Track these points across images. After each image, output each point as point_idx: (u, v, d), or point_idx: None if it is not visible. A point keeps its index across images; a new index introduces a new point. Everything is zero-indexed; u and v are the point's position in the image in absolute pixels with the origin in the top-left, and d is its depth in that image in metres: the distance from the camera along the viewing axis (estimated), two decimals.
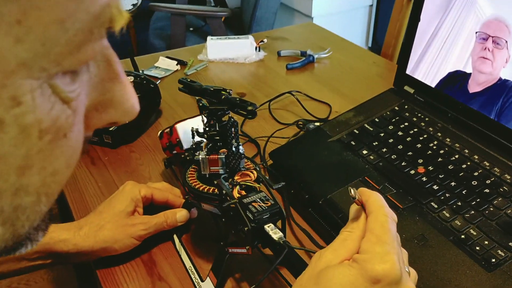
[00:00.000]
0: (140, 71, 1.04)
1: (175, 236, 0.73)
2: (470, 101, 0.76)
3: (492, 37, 0.71)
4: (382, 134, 0.80)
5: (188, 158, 0.67)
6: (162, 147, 0.78)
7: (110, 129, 0.92)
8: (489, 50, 0.72)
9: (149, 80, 1.02)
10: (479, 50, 0.74)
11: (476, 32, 0.74)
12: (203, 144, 0.64)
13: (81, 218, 0.77)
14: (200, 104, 0.60)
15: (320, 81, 1.18)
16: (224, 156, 0.62)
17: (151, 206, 0.73)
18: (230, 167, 0.63)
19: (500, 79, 0.72)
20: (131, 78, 0.95)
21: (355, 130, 0.83)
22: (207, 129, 0.63)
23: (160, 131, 0.78)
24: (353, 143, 0.80)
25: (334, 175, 0.75)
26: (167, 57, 1.28)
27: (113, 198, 0.69)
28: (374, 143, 0.79)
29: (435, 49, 0.81)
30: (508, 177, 0.69)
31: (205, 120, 0.63)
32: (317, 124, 0.89)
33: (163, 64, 1.25)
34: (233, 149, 0.61)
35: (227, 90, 0.64)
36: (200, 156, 0.63)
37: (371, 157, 0.77)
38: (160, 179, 0.85)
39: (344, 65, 1.27)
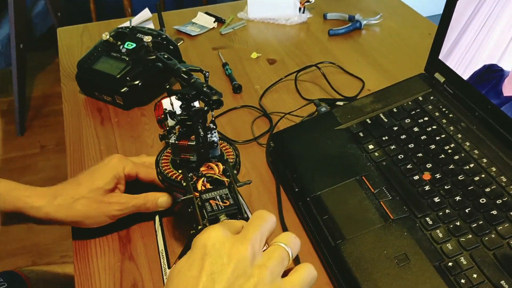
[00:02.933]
0: (164, 29, 1.00)
1: (156, 217, 0.70)
2: (503, 104, 0.65)
3: None
4: (395, 128, 0.72)
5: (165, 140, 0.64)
6: (156, 119, 0.74)
7: (122, 90, 0.89)
8: None
9: (170, 40, 0.97)
10: None
11: None
12: (176, 128, 0.60)
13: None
14: (167, 87, 0.55)
15: (362, 52, 1.08)
16: (194, 144, 0.58)
17: (137, 182, 0.70)
18: (199, 154, 0.58)
19: None
20: (149, 38, 0.91)
21: (367, 120, 0.74)
22: (178, 112, 0.58)
23: (156, 101, 0.74)
24: (361, 134, 0.72)
25: (331, 170, 0.68)
26: (206, 12, 1.22)
27: (95, 170, 0.67)
28: (383, 138, 0.71)
29: (471, 34, 0.70)
30: None
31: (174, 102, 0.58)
32: (330, 107, 0.81)
33: (201, 21, 1.20)
34: (200, 138, 0.56)
35: (203, 72, 0.58)
36: (170, 141, 0.59)
37: (376, 154, 0.69)
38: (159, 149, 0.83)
39: (394, 34, 1.15)
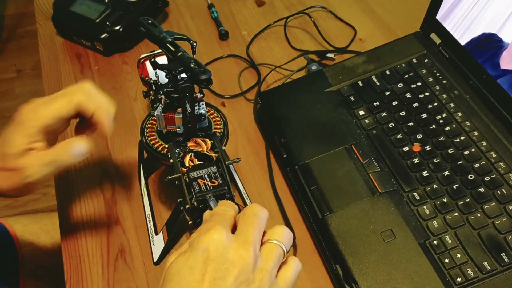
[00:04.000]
0: None
1: (142, 177, 0.69)
2: (499, 76, 0.63)
3: None
4: (387, 93, 0.70)
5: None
6: (139, 76, 0.71)
7: (102, 36, 0.85)
8: None
9: None
10: None
11: None
12: (162, 98, 0.57)
13: None
14: (152, 60, 0.52)
15: None
16: (181, 116, 0.56)
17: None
18: (187, 128, 0.56)
19: None
20: None
21: (359, 82, 0.72)
22: (163, 83, 0.55)
23: (140, 57, 0.70)
24: (352, 98, 0.70)
25: (320, 137, 0.67)
26: None
27: (5, 134, 0.53)
28: (375, 103, 0.69)
29: None
30: None
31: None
32: (321, 65, 0.78)
33: None
34: (188, 112, 0.54)
35: (190, 42, 0.55)
36: (156, 113, 0.56)
37: (366, 121, 0.67)
38: (144, 104, 0.80)
39: None
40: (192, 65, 0.49)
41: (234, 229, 0.45)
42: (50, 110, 0.52)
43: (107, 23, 0.85)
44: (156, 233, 0.63)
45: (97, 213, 0.67)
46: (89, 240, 0.64)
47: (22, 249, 0.81)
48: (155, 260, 0.60)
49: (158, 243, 0.61)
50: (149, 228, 0.64)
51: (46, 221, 0.86)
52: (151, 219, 0.65)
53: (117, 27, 0.85)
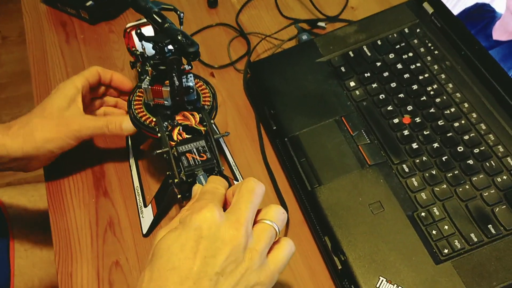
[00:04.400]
0: None
1: (130, 149, 0.69)
2: (491, 48, 0.62)
3: None
4: (378, 64, 0.69)
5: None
6: (125, 46, 0.69)
7: (87, 4, 0.82)
8: None
9: None
10: None
11: None
12: (149, 70, 0.56)
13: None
14: (138, 31, 0.50)
15: None
16: (169, 89, 0.55)
17: None
18: (175, 102, 0.55)
19: None
20: None
21: (350, 52, 0.71)
22: (150, 55, 0.54)
23: (126, 26, 0.68)
24: (343, 69, 0.69)
25: (310, 108, 0.66)
26: None
27: (47, 98, 0.62)
28: (366, 74, 0.68)
29: None
30: (501, 149, 0.59)
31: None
32: (312, 36, 0.77)
33: None
34: (175, 85, 0.53)
35: (178, 12, 0.53)
36: (143, 85, 0.55)
37: (357, 93, 0.67)
38: (132, 74, 0.79)
39: None
40: (179, 37, 0.48)
41: (225, 206, 0.45)
42: (80, 77, 0.63)
43: None
44: (145, 206, 0.63)
45: (85, 185, 0.66)
46: (78, 212, 0.64)
47: (11, 221, 0.81)
48: (144, 233, 0.60)
49: (147, 215, 0.61)
50: (137, 201, 0.64)
51: (33, 192, 0.86)
52: (139, 191, 0.65)
53: None
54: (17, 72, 1.91)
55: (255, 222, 0.43)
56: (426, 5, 0.72)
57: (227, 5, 0.89)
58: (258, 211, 0.44)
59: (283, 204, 0.63)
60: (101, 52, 0.82)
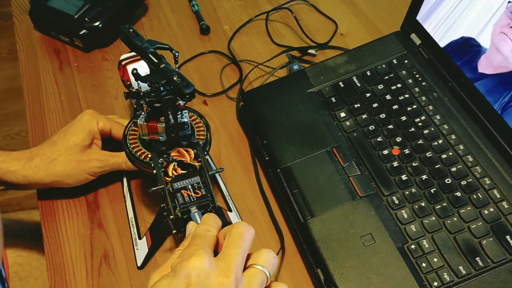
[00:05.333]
0: None
1: (124, 179, 0.69)
2: (477, 80, 0.64)
3: None
4: (368, 95, 0.70)
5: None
6: (120, 78, 0.70)
7: (81, 32, 0.83)
8: None
9: None
10: (504, 24, 0.60)
11: (509, 2, 0.59)
12: (145, 106, 0.57)
13: (36, 134, 0.74)
14: (134, 72, 0.51)
15: None
16: (164, 125, 0.56)
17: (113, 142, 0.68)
18: (170, 138, 0.56)
19: None
20: None
21: (340, 83, 0.73)
22: (145, 92, 0.55)
23: (120, 58, 0.69)
24: (333, 100, 0.71)
25: (302, 139, 0.68)
26: None
27: (69, 128, 0.65)
28: (355, 105, 0.70)
29: (452, 1, 0.67)
30: (488, 181, 0.60)
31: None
32: (303, 65, 0.79)
33: None
34: (170, 122, 0.54)
35: (173, 52, 0.54)
36: (139, 121, 0.56)
37: (347, 123, 0.68)
38: (125, 103, 0.79)
39: None
40: (175, 78, 0.49)
41: (217, 248, 0.45)
42: (103, 119, 0.66)
43: (86, 19, 0.83)
44: (140, 238, 0.64)
45: (79, 217, 0.67)
46: (73, 245, 0.64)
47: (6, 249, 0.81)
48: (138, 265, 0.61)
49: (142, 247, 0.62)
50: (132, 233, 0.65)
51: (27, 221, 0.86)
52: (134, 223, 0.65)
53: (97, 23, 0.83)
54: (7, 89, 1.91)
55: (246, 267, 0.44)
56: (413, 36, 0.74)
57: (219, 32, 0.91)
58: (249, 255, 0.45)
59: (279, 234, 0.64)
60: (95, 80, 0.83)
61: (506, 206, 0.58)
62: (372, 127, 0.67)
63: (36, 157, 0.63)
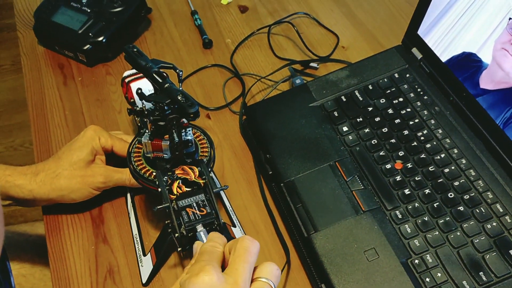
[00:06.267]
0: None
1: (128, 195, 0.70)
2: (479, 95, 0.65)
3: None
4: (370, 109, 0.71)
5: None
6: (123, 95, 0.71)
7: (85, 48, 0.84)
8: None
9: None
10: (505, 40, 0.60)
11: (510, 19, 0.60)
12: (149, 124, 0.57)
13: (40, 149, 0.75)
14: (139, 92, 0.52)
15: (337, 0, 1.02)
16: (168, 143, 0.56)
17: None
18: (174, 155, 0.57)
19: None
20: None
21: (342, 97, 0.73)
22: (149, 110, 0.56)
23: (124, 75, 0.70)
24: (335, 114, 0.71)
25: (305, 153, 0.68)
26: None
27: (73, 143, 0.66)
28: (358, 119, 0.70)
29: (453, 16, 0.67)
30: (490, 195, 0.61)
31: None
32: (305, 78, 0.79)
33: None
34: (175, 140, 0.55)
35: (177, 71, 0.55)
36: (143, 139, 0.57)
37: (350, 138, 0.69)
38: (129, 118, 0.80)
39: None
40: (179, 98, 0.50)
41: (223, 264, 0.46)
42: (106, 135, 0.66)
43: (90, 34, 0.84)
44: (144, 254, 0.64)
45: (84, 232, 0.67)
46: (77, 260, 0.65)
47: (10, 261, 0.81)
48: (143, 282, 0.61)
49: (147, 264, 0.62)
50: (137, 249, 0.65)
51: (30, 233, 0.87)
52: (138, 239, 0.66)
53: (100, 38, 0.84)
54: (10, 100, 1.92)
55: (252, 280, 0.45)
56: (415, 50, 0.74)
57: (222, 46, 0.91)
58: (254, 269, 0.46)
59: (285, 248, 0.64)
60: (99, 95, 0.84)
61: (509, 220, 0.59)
62: (374, 141, 0.68)
63: (41, 172, 0.64)
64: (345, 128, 0.70)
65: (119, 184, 0.66)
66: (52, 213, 0.69)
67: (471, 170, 0.63)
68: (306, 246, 0.62)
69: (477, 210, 0.60)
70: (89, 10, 0.86)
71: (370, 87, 0.73)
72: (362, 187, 0.64)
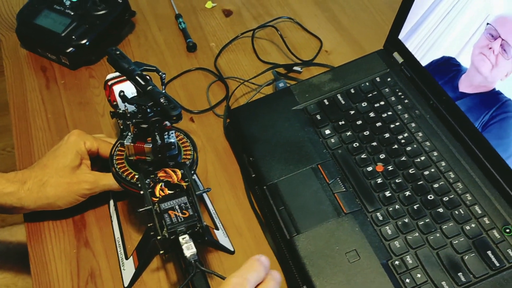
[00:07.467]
0: None
1: (111, 199, 0.70)
2: (458, 99, 0.66)
3: (502, 39, 0.59)
4: (352, 112, 0.72)
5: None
6: (106, 98, 0.71)
7: (68, 50, 0.84)
8: (493, 52, 0.60)
9: None
10: (483, 45, 0.62)
11: (487, 24, 0.61)
12: (131, 126, 0.57)
13: (22, 152, 0.74)
14: (122, 94, 0.52)
15: (320, 4, 1.03)
16: (151, 146, 0.56)
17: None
18: (157, 157, 0.57)
19: (494, 89, 0.61)
20: None
21: (325, 100, 0.74)
22: (132, 112, 0.56)
23: (107, 78, 0.70)
24: (318, 117, 0.72)
25: (288, 156, 0.68)
26: None
27: (57, 150, 0.66)
28: (340, 122, 0.71)
29: (433, 21, 0.69)
30: (469, 197, 0.62)
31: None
32: (288, 82, 0.80)
33: None
34: (157, 143, 0.55)
35: (160, 73, 0.55)
36: (125, 142, 0.57)
37: (332, 140, 0.69)
38: (112, 121, 0.80)
39: None
40: (162, 100, 0.50)
41: None
42: (90, 138, 0.67)
43: (73, 37, 0.84)
44: (126, 258, 0.64)
45: (66, 236, 0.67)
46: (59, 264, 0.64)
47: None
48: (125, 285, 0.61)
49: (129, 267, 0.62)
50: (119, 253, 0.65)
51: (10, 240, 0.86)
52: (120, 243, 0.66)
53: (83, 41, 0.84)
54: None
55: None
56: (396, 55, 0.75)
57: (206, 50, 0.92)
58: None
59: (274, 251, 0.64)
60: (82, 97, 0.83)
61: (487, 222, 0.60)
62: (356, 144, 0.68)
63: (28, 180, 0.63)
64: (327, 131, 0.71)
65: (106, 189, 0.66)
66: (34, 216, 0.68)
67: (451, 173, 0.64)
68: (288, 248, 0.62)
69: (456, 211, 0.61)
70: (72, 13, 0.86)
71: (352, 90, 0.74)
72: (344, 189, 0.65)
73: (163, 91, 0.52)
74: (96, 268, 0.64)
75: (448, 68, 0.67)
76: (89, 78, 0.86)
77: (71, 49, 0.84)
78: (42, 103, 0.82)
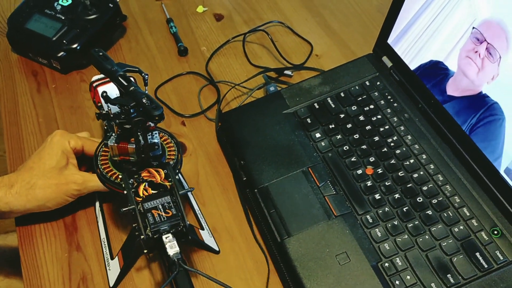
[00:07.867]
0: None
1: (97, 201, 0.70)
2: (446, 102, 0.67)
3: (488, 43, 0.59)
4: (342, 116, 0.72)
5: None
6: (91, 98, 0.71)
7: (59, 54, 0.84)
8: (479, 56, 0.61)
9: None
10: (469, 49, 0.63)
11: (473, 28, 0.62)
12: (115, 127, 0.57)
13: (13, 156, 0.74)
14: (104, 95, 0.53)
15: (311, 9, 1.04)
16: (134, 146, 0.56)
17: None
18: (141, 158, 0.57)
19: (480, 92, 0.62)
20: None
21: (315, 104, 0.74)
22: (115, 113, 0.56)
23: (92, 79, 0.69)
24: (308, 120, 0.73)
25: (279, 159, 0.69)
26: None
27: (41, 151, 0.65)
28: (330, 126, 0.72)
29: (421, 25, 0.69)
30: (458, 200, 0.62)
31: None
32: (279, 86, 0.80)
33: None
34: (141, 143, 0.55)
35: (142, 74, 0.55)
36: (109, 142, 0.57)
37: (322, 144, 0.70)
38: (103, 125, 0.80)
39: None
40: (144, 101, 0.50)
41: None
42: (75, 138, 0.67)
43: (64, 41, 0.84)
44: (112, 258, 0.64)
45: (57, 240, 0.67)
46: (50, 268, 0.64)
47: None
48: (111, 285, 0.62)
49: (114, 268, 0.63)
50: (104, 253, 0.65)
51: (3, 246, 0.86)
52: (106, 243, 0.66)
53: (74, 45, 0.84)
54: None
55: None
56: (385, 59, 0.76)
57: (197, 54, 0.92)
58: None
59: (265, 254, 0.64)
60: (73, 102, 0.83)
61: (475, 224, 0.61)
62: (346, 147, 0.69)
63: (15, 184, 0.63)
64: (317, 135, 0.71)
65: (95, 190, 0.66)
66: (25, 220, 0.68)
67: (439, 175, 0.65)
68: (279, 251, 0.62)
69: (444, 214, 0.62)
70: (63, 18, 0.86)
71: (342, 94, 0.75)
72: (334, 192, 0.65)
73: (146, 91, 0.53)
74: (87, 272, 0.64)
75: (436, 72, 0.68)
76: (80, 82, 0.87)
77: (62, 53, 0.84)
78: (34, 107, 0.82)
